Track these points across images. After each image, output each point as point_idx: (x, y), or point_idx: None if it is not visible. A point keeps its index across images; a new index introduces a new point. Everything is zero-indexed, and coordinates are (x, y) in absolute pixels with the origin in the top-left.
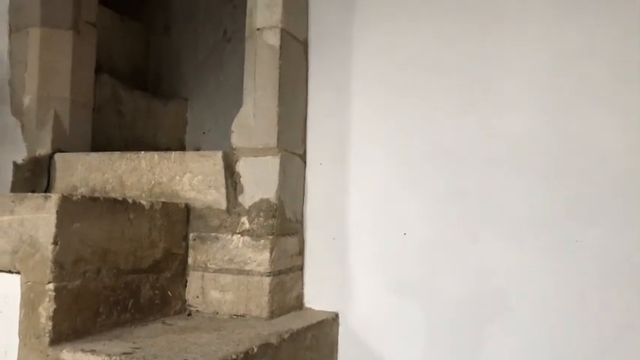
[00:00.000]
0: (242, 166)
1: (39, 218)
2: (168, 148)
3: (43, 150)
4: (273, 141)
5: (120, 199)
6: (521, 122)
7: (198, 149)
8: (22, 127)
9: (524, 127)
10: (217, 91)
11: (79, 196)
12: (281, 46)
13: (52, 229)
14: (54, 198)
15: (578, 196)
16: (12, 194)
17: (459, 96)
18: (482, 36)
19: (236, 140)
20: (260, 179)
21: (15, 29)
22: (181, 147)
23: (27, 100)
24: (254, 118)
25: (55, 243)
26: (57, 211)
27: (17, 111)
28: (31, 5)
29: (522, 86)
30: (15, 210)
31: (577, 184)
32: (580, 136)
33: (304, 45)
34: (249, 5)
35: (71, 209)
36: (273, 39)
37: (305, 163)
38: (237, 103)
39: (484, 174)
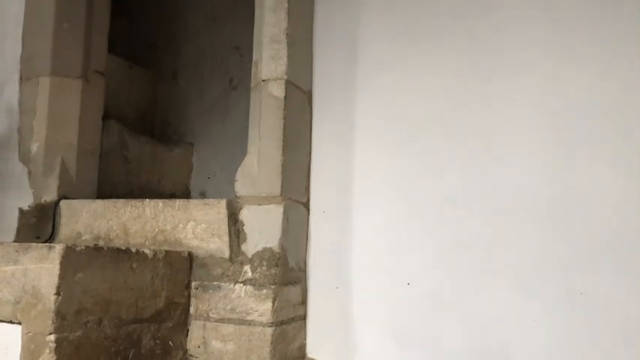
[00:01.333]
0: (245, 215)
1: (42, 268)
2: (173, 194)
3: (49, 197)
4: (276, 189)
5: (123, 248)
6: (523, 173)
7: (203, 194)
8: (29, 173)
9: (527, 178)
10: (223, 136)
11: (83, 247)
12: (285, 97)
13: (55, 280)
14: (58, 248)
15: (581, 246)
16: (17, 244)
17: (462, 147)
18: (484, 89)
19: (240, 188)
20: (263, 228)
21: (26, 78)
22: (186, 192)
23: (35, 147)
24: (258, 167)
25: (57, 293)
26: (60, 262)
27: (25, 158)
28: (42, 55)
29: (524, 138)
30: (19, 260)
31: (580, 235)
32: (582, 186)
33: (308, 95)
34: (255, 57)
35: (75, 259)
36: (277, 90)
37: (308, 211)
38: (243, 148)
39: (487, 224)
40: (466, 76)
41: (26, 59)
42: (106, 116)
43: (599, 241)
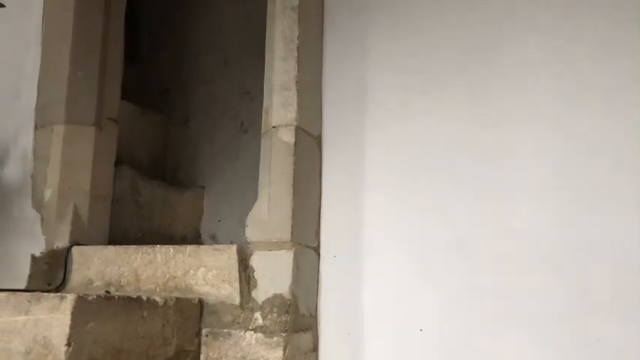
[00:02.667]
0: (256, 260)
1: (53, 319)
2: (183, 237)
3: (61, 243)
4: (287, 235)
5: (134, 296)
6: (534, 218)
7: (213, 237)
8: (42, 220)
9: (538, 223)
10: (233, 179)
11: (94, 296)
12: (295, 143)
13: (66, 330)
14: (69, 299)
15: (594, 291)
16: (29, 294)
17: (472, 192)
18: (494, 134)
19: (250, 234)
20: (274, 274)
21: (40, 126)
22: (197, 235)
23: (48, 193)
24: (268, 213)
25: (68, 344)
26: (72, 312)
27: (38, 204)
28: (57, 103)
29: (534, 182)
30: (30, 310)
31: (593, 280)
32: (594, 231)
33: (318, 140)
34: (265, 104)
35: (86, 309)
36: (287, 136)
37: (319, 255)
38: (253, 191)
39: (499, 269)
40: (475, 122)
41: (41, 108)
42: (118, 161)
43: (615, 287)
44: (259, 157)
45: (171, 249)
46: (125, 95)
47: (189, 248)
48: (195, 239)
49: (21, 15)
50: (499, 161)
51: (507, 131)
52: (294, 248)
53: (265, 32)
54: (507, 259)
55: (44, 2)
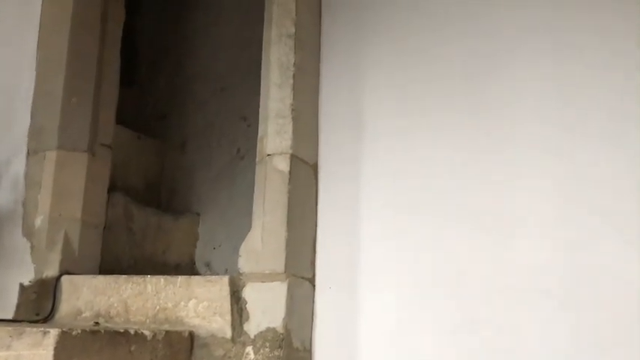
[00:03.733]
0: (248, 292)
1: (35, 355)
2: (177, 265)
3: (51, 272)
4: (280, 266)
5: (121, 330)
6: (534, 250)
7: (208, 264)
8: (32, 248)
9: (538, 256)
10: (229, 205)
11: (79, 330)
12: (290, 172)
13: None
14: (53, 334)
15: (598, 328)
16: (11, 328)
17: (472, 223)
18: (496, 162)
19: (243, 265)
20: (267, 306)
21: (33, 152)
22: (191, 263)
23: (38, 221)
24: (262, 243)
25: None
26: (55, 348)
27: (28, 232)
28: (50, 129)
29: (536, 213)
30: (12, 346)
31: (595, 316)
32: (597, 264)
33: (314, 168)
34: (260, 132)
35: (70, 345)
36: (282, 164)
37: (314, 286)
38: (249, 218)
39: (499, 303)
40: (475, 151)
41: (34, 133)
42: (112, 188)
43: (618, 321)
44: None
45: (162, 279)
46: (121, 120)
47: (180, 279)
48: (190, 267)
49: (16, 40)
50: (499, 192)
51: (508, 161)
52: (288, 280)
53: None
54: (507, 294)
55: (39, 27)
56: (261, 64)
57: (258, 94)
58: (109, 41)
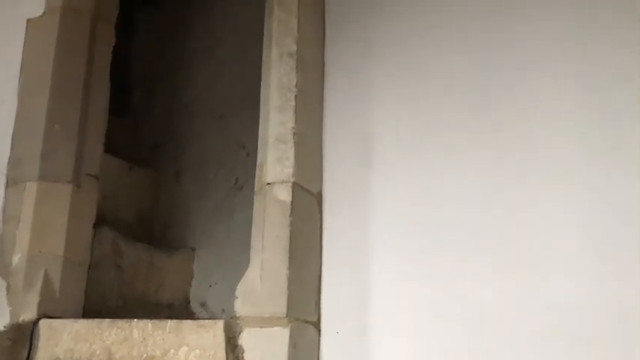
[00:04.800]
0: (246, 339)
1: None
2: (170, 304)
3: (28, 315)
4: (282, 309)
5: None
6: (569, 287)
7: (203, 304)
8: (8, 288)
9: (573, 294)
10: (227, 240)
11: None
12: (292, 202)
13: None
14: None
15: None
16: None
17: (497, 257)
18: (518, 191)
19: (240, 307)
20: (266, 355)
21: (12, 183)
22: (185, 302)
23: (16, 258)
24: (261, 283)
25: None
26: None
27: (4, 271)
28: (31, 158)
29: (563, 247)
30: None
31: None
32: (630, 304)
33: (318, 198)
34: (259, 159)
35: None
36: (283, 194)
37: (319, 331)
38: (248, 254)
39: (525, 349)
40: (494, 179)
41: (14, 163)
42: (100, 221)
43: None
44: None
45: (149, 324)
46: (112, 150)
47: (169, 324)
48: (184, 307)
49: None
50: (523, 224)
51: (531, 189)
52: (290, 325)
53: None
54: (534, 338)
55: (22, 50)
56: (260, 90)
57: (258, 121)
58: (98, 64)
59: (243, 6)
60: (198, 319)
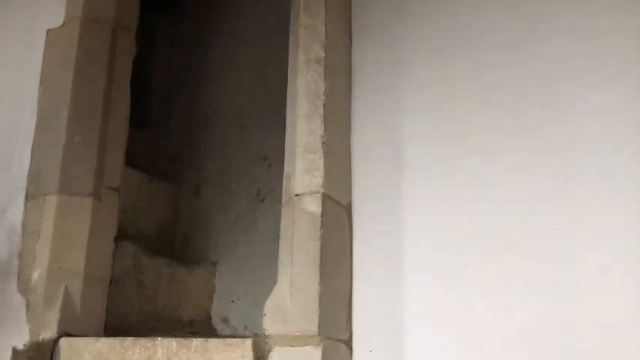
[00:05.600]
0: (275, 358)
1: None
2: (192, 320)
3: (48, 333)
4: (313, 327)
5: None
6: (618, 306)
7: (225, 320)
8: (28, 305)
9: (622, 312)
10: (249, 253)
11: None
12: (322, 213)
13: None
14: None
15: None
16: None
17: (538, 274)
18: (562, 198)
19: (269, 325)
20: None
21: (32, 197)
22: (207, 318)
23: (36, 274)
24: (290, 299)
25: None
26: None
27: (24, 287)
28: (50, 171)
29: (619, 261)
30: None
31: None
32: None
33: (347, 210)
34: (286, 169)
35: None
36: (313, 206)
37: (351, 350)
38: (270, 268)
39: None
40: (537, 184)
41: (33, 176)
42: (121, 235)
43: None
44: (278, 228)
45: (174, 343)
46: (132, 162)
47: (195, 342)
48: (206, 323)
49: (17, 74)
50: (566, 236)
51: (574, 196)
52: (322, 344)
53: (285, 91)
54: (584, 356)
55: (42, 60)
56: (283, 97)
57: (280, 131)
58: (118, 75)
59: (264, 15)
60: (221, 336)
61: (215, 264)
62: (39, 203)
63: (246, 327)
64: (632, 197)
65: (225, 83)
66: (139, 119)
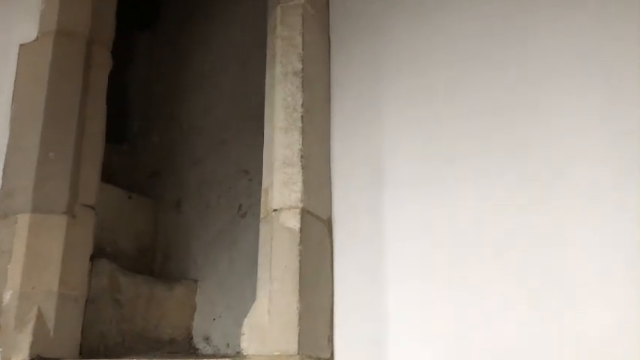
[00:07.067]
0: None
1: None
2: (172, 340)
3: (20, 357)
4: (293, 346)
5: None
6: (603, 319)
7: (207, 339)
8: None
9: (608, 326)
10: (230, 270)
11: None
12: (301, 229)
13: None
14: None
15: None
16: None
17: (522, 286)
18: (546, 208)
19: (247, 345)
20: None
21: (3, 216)
22: (188, 337)
23: (7, 296)
24: (269, 317)
25: None
26: None
27: None
28: (23, 189)
29: (601, 274)
30: None
31: None
32: None
33: (328, 224)
34: (264, 184)
35: None
36: (292, 221)
37: None
38: (252, 284)
39: None
40: (520, 200)
41: (6, 194)
42: (98, 253)
43: None
44: (258, 245)
45: None
46: (110, 179)
47: None
48: (187, 342)
49: None
50: (549, 250)
51: (557, 212)
52: None
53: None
54: None
55: (15, 76)
56: (263, 112)
57: (261, 145)
58: (94, 91)
59: (241, 31)
60: (202, 355)
61: (196, 281)
62: (11, 222)
63: (228, 345)
64: (617, 204)
65: (205, 98)
66: (117, 135)
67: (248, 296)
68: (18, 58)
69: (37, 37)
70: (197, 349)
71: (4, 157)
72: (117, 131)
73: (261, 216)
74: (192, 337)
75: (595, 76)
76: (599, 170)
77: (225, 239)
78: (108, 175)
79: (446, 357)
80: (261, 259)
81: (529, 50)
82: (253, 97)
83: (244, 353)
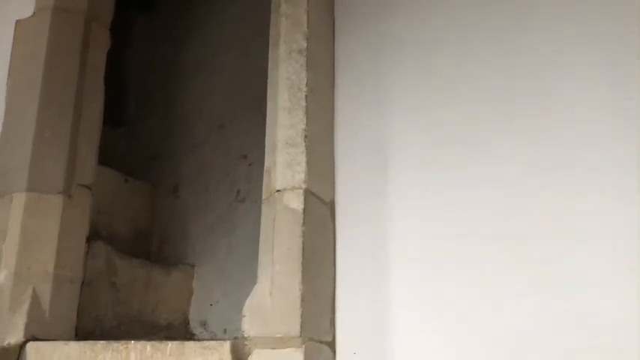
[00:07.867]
0: None
1: None
2: (169, 324)
3: (14, 338)
4: (295, 328)
5: None
6: (605, 301)
7: (204, 324)
8: None
9: (610, 309)
10: (228, 255)
11: None
12: (305, 210)
13: None
14: None
15: None
16: None
17: (526, 271)
18: (551, 195)
19: (248, 327)
20: None
21: None
22: (185, 322)
23: (2, 276)
24: (271, 299)
25: None
26: None
27: None
28: (18, 168)
29: (606, 261)
30: None
31: None
32: None
33: (331, 207)
34: (267, 164)
35: None
36: (295, 202)
37: (334, 352)
38: (250, 270)
39: None
40: (525, 186)
41: (0, 173)
42: (94, 236)
43: None
44: (258, 230)
45: (148, 346)
46: (107, 162)
47: (170, 346)
48: (183, 327)
49: None
50: (554, 237)
51: (561, 200)
52: (304, 346)
53: (265, 89)
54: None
55: (11, 53)
56: (262, 96)
57: (260, 130)
58: (92, 69)
59: (241, 13)
60: (199, 340)
61: (193, 266)
62: (6, 201)
63: (225, 331)
64: (624, 190)
65: (204, 81)
66: (115, 118)
67: (246, 282)
68: (14, 34)
69: (34, 13)
70: (194, 335)
71: None
72: (114, 114)
73: (263, 197)
74: (188, 322)
75: (603, 57)
76: (604, 159)
77: (224, 224)
78: (105, 158)
79: (448, 343)
80: (263, 241)
81: (537, 35)
82: (253, 81)
83: (245, 335)
